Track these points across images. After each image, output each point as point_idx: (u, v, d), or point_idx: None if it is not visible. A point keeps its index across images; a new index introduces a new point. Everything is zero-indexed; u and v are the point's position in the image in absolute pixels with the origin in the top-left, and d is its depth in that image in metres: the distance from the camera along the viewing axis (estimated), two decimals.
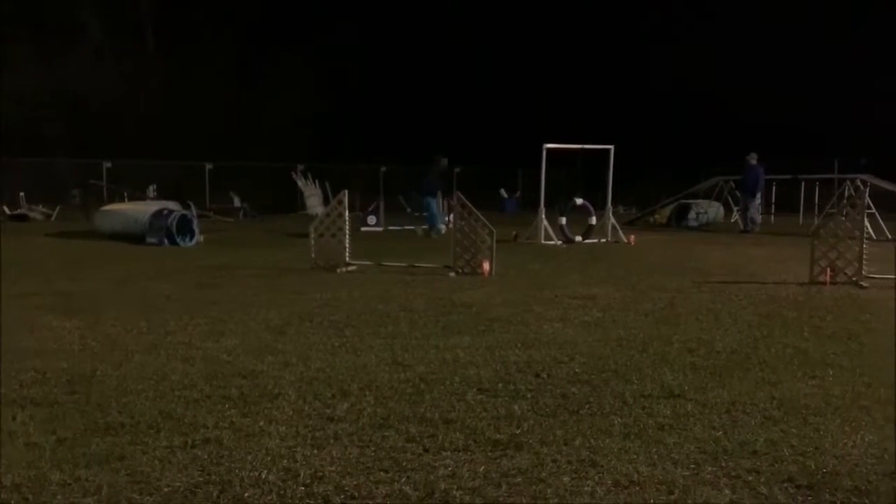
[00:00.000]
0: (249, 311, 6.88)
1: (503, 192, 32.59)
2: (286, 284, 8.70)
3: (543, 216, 15.52)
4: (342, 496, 2.88)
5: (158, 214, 14.76)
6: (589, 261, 11.75)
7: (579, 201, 16.16)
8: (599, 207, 16.54)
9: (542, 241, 15.20)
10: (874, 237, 15.76)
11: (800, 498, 2.84)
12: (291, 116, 33.74)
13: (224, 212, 25.24)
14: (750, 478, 3.02)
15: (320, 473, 3.08)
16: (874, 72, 31.66)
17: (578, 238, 15.41)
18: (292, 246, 13.46)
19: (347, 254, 10.12)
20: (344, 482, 2.99)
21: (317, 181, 28.07)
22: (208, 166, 27.75)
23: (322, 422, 3.76)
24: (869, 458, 3.23)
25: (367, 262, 10.45)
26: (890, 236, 16.43)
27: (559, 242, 15.06)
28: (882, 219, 17.40)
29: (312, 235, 10.31)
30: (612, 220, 16.29)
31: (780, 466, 3.14)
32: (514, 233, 15.87)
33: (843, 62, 32.56)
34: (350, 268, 10.03)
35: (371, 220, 19.81)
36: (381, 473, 3.08)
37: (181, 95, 32.76)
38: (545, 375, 4.64)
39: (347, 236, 10.11)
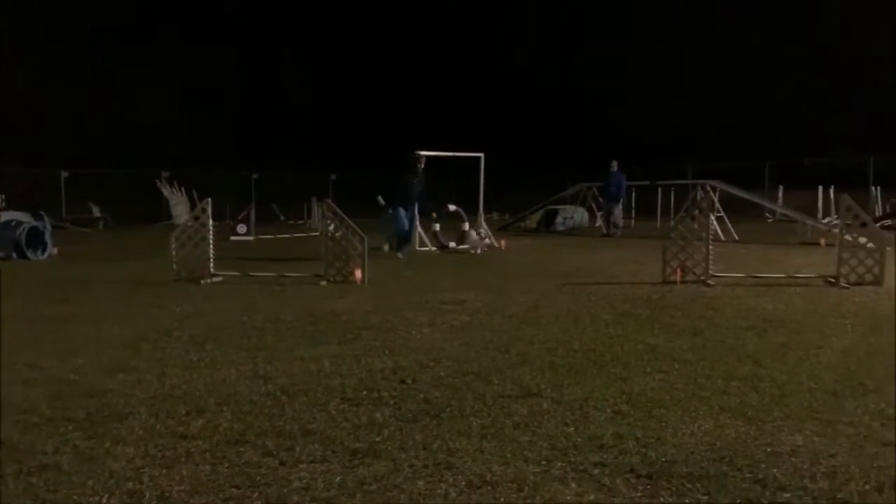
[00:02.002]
0: (101, 326, 6.51)
1: (380, 200, 32.54)
2: (145, 298, 8.29)
3: (417, 223, 15.63)
4: None
5: (6, 226, 13.71)
6: (461, 266, 11.93)
7: (452, 207, 16.38)
8: (472, 213, 16.84)
9: (417, 248, 15.31)
10: (723, 238, 16.98)
11: (639, 487, 3.00)
12: (156, 122, 32.29)
13: (82, 222, 23.79)
14: (596, 471, 3.16)
15: (167, 494, 2.95)
16: (723, 84, 34.08)
17: (452, 244, 15.62)
18: (155, 257, 12.85)
19: (212, 264, 9.78)
20: (192, 501, 2.88)
21: (183, 189, 26.99)
22: (64, 174, 26.06)
23: (174, 440, 3.61)
24: (703, 445, 3.46)
25: (234, 273, 10.14)
26: (737, 237, 17.73)
27: (433, 249, 15.21)
28: (730, 221, 18.77)
29: (174, 245, 9.89)
30: (484, 225, 16.64)
31: (624, 458, 3.30)
32: (388, 240, 15.86)
33: (695, 76, 34.84)
34: (215, 279, 9.70)
35: (241, 228, 19.25)
36: (233, 490, 2.99)
37: (33, 98, 30.61)
38: (410, 381, 4.67)
39: (212, 246, 9.77)
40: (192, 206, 25.18)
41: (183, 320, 6.86)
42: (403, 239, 13.85)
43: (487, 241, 15.07)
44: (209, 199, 9.91)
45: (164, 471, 3.20)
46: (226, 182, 28.10)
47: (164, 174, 27.06)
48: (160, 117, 32.27)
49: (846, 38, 31.09)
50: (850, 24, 31.52)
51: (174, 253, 9.90)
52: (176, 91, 33.07)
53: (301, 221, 26.68)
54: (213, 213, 9.88)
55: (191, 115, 33.19)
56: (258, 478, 3.12)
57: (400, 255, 13.45)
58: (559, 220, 22.25)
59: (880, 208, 22.54)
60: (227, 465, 3.28)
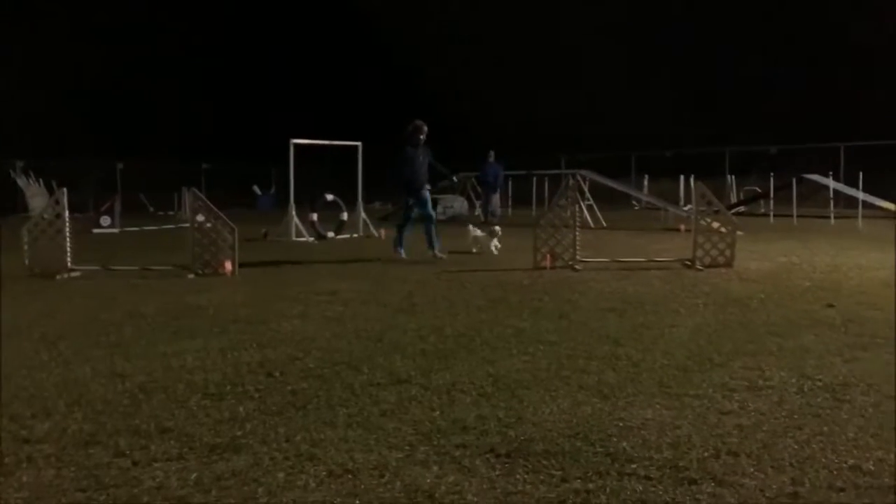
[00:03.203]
0: None
1: (256, 189, 31.73)
2: None
3: (294, 213, 15.36)
4: None
5: None
6: (338, 256, 11.81)
7: (330, 197, 16.20)
8: (352, 203, 16.72)
9: (294, 238, 15.04)
10: (591, 225, 17.71)
11: (498, 467, 3.08)
12: (6, 109, 29.92)
13: None
14: (457, 453, 3.22)
15: (4, 502, 2.76)
16: (595, 80, 35.43)
17: (330, 234, 15.45)
18: (5, 251, 11.93)
19: (69, 258, 9.19)
20: None
21: (41, 180, 25.20)
22: None
23: (15, 445, 3.37)
24: (561, 422, 3.60)
25: (94, 267, 9.57)
26: (605, 224, 18.53)
27: (311, 239, 14.98)
28: (599, 209, 19.58)
29: (26, 239, 9.22)
30: (364, 215, 16.57)
31: (486, 439, 3.38)
32: (263, 230, 15.51)
33: (568, 72, 36.02)
34: (73, 273, 9.13)
35: (105, 220, 18.20)
36: (78, 494, 2.83)
37: None
38: (278, 374, 4.58)
39: (69, 239, 9.18)
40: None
41: (35, 318, 6.42)
42: (426, 231, 11.31)
43: (496, 241, 11.96)
44: (64, 190, 9.31)
45: (2, 478, 2.99)
46: (90, 172, 26.50)
47: (19, 164, 25.16)
48: (13, 104, 29.91)
49: (708, 38, 33.07)
50: (710, 22, 33.57)
51: (26, 247, 9.24)
52: (30, 79, 30.77)
53: (171, 212, 25.56)
54: (75, 204, 9.31)
55: (50, 105, 30.95)
56: (107, 479, 2.97)
57: (435, 252, 11.11)
58: (439, 208, 22.45)
59: (735, 196, 24.19)
60: (73, 468, 3.10)
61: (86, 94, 33.00)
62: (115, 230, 17.99)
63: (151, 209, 27.12)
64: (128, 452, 3.26)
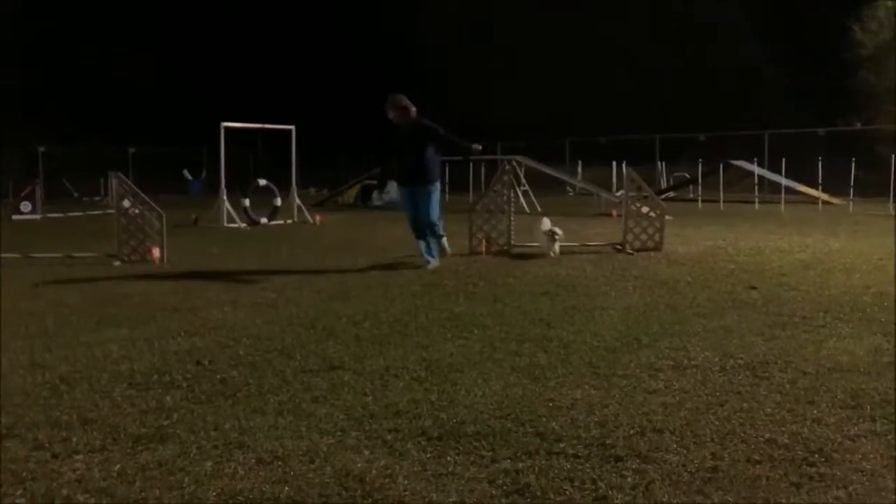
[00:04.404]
0: None
1: (187, 174, 30.87)
2: None
3: (225, 198, 15.05)
4: None
5: None
6: (271, 243, 11.63)
7: (262, 182, 15.93)
8: (285, 188, 16.47)
9: (226, 224, 14.74)
10: (527, 211, 17.90)
11: (429, 449, 3.09)
12: None
13: None
14: (389, 437, 3.22)
15: None
16: (531, 66, 35.72)
17: (264, 220, 15.19)
18: None
19: None
20: None
21: None
22: None
23: None
24: (492, 404, 3.64)
25: (13, 255, 9.17)
26: (540, 209, 18.75)
27: (243, 225, 14.71)
28: (534, 195, 19.80)
29: None
30: (298, 200, 16.35)
31: (418, 423, 3.39)
32: (194, 216, 15.14)
33: (504, 59, 36.19)
34: None
35: (25, 207, 17.46)
36: None
37: None
38: (207, 362, 4.49)
39: None
40: None
41: None
42: (418, 232, 8.65)
43: (557, 245, 9.34)
44: None
45: None
46: (8, 157, 25.32)
47: None
48: None
49: (642, 27, 33.71)
50: (641, 9, 34.20)
51: None
52: None
53: (97, 198, 24.69)
54: None
55: None
56: (24, 473, 2.86)
57: (429, 261, 8.49)
58: (375, 195, 22.34)
59: (665, 181, 24.81)
60: None
61: (4, 72, 31.44)
62: (37, 216, 17.29)
63: (76, 195, 26.12)
64: (47, 445, 3.16)
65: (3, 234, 9.35)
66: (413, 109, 8.54)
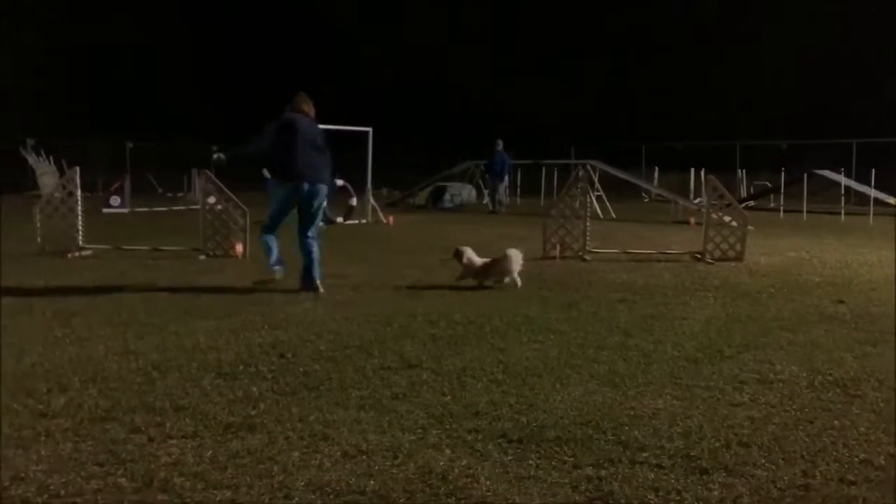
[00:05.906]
0: None
1: (265, 173, 31.68)
2: (5, 272, 7.73)
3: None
4: (45, 495, 2.64)
5: None
6: (347, 241, 11.83)
7: (340, 182, 16.20)
8: (360, 188, 16.72)
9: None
10: (601, 216, 17.67)
11: (510, 451, 3.10)
12: (16, 87, 29.88)
13: None
14: (469, 437, 3.25)
15: (22, 474, 2.80)
16: (607, 71, 35.30)
17: (340, 219, 15.46)
18: (17, 229, 11.98)
19: (80, 237, 9.23)
20: (50, 481, 2.75)
21: (51, 158, 25.23)
22: None
23: (33, 419, 3.41)
24: (573, 410, 3.62)
25: (105, 246, 9.61)
26: (614, 216, 18.49)
27: (321, 224, 14.98)
28: (608, 200, 19.52)
29: (38, 217, 9.27)
30: (372, 201, 16.57)
31: (498, 424, 3.41)
32: None
33: (580, 62, 35.84)
34: (84, 252, 9.17)
35: (115, 200, 18.24)
36: (96, 468, 2.87)
37: None
38: (290, 355, 4.61)
39: (80, 217, 9.22)
40: (62, 176, 23.60)
41: (47, 296, 6.46)
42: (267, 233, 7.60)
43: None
44: (77, 168, 9.36)
45: (21, 451, 3.03)
46: (99, 151, 26.48)
47: (30, 142, 25.17)
48: (22, 82, 29.88)
49: (722, 34, 32.86)
50: (724, 18, 33.33)
51: (38, 225, 9.28)
52: (36, 56, 30.65)
53: (181, 194, 25.59)
54: (84, 183, 9.33)
55: (55, 82, 30.89)
56: (124, 454, 3.01)
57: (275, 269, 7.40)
58: (447, 196, 22.46)
59: (745, 190, 24.09)
60: (90, 442, 3.14)
61: (97, 71, 33.00)
62: (125, 210, 18.04)
63: (160, 190, 27.14)
64: (143, 429, 3.30)
65: (94, 226, 9.78)
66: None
